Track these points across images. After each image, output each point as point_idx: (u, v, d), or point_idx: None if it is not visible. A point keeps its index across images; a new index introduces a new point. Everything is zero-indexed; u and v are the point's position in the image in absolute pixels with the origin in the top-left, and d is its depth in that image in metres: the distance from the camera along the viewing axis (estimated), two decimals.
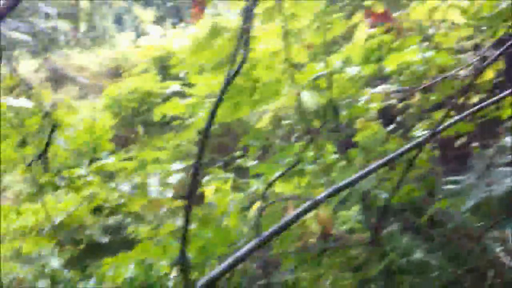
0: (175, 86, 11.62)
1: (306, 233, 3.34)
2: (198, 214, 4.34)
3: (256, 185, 4.94)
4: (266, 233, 2.69)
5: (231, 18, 4.17)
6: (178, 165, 5.75)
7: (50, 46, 6.26)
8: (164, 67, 13.58)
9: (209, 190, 6.08)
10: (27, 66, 8.35)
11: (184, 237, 2.69)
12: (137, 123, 12.14)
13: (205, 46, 3.89)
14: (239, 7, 3.88)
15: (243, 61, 2.61)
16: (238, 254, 2.83)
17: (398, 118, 4.67)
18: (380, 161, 2.83)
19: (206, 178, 7.86)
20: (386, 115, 4.63)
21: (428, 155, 3.89)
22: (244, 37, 2.80)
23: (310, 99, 2.53)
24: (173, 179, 5.04)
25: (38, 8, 6.28)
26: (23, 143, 6.71)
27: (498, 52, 4.08)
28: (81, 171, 7.79)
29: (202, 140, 2.75)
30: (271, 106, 2.68)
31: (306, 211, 2.84)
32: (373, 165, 2.81)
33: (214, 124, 6.28)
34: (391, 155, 2.92)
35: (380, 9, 3.64)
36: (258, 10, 3.91)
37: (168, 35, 14.90)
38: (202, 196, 7.02)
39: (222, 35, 3.81)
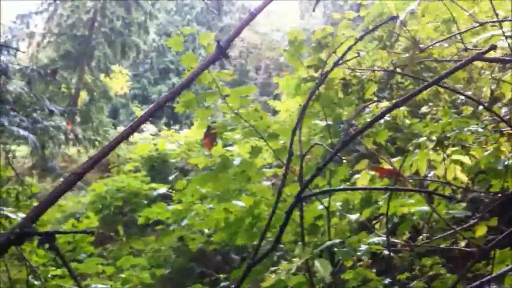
0: (162, 189, 11.59)
1: None
2: None
3: None
4: None
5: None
6: None
7: (49, 142, 6.32)
8: (153, 167, 13.62)
9: None
10: (22, 160, 8.37)
11: None
12: (119, 222, 11.92)
13: (213, 179, 3.92)
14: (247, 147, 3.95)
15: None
16: None
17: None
18: None
19: None
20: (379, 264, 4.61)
21: None
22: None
23: (322, 269, 2.49)
24: None
25: (43, 105, 6.40)
26: None
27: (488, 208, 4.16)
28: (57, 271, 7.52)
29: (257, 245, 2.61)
30: (283, 267, 2.64)
31: None
32: None
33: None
34: None
35: (386, 165, 3.73)
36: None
37: (162, 135, 15.09)
38: None
39: (230, 171, 3.86)
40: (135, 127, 2.90)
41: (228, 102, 3.52)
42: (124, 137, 2.92)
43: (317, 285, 3.08)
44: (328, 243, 2.92)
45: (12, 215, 3.34)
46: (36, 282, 7.79)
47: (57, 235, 3.13)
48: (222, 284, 6.93)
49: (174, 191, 8.20)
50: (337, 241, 3.44)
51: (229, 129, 3.89)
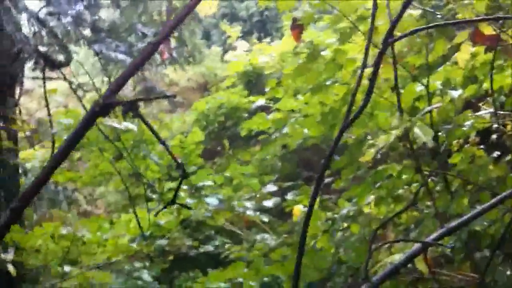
0: (260, 100, 11.74)
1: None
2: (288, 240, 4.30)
3: (347, 208, 4.84)
4: (376, 278, 2.50)
5: (329, 42, 4.17)
6: (271, 187, 5.74)
7: (145, 64, 6.54)
8: (249, 81, 13.76)
9: (297, 208, 6.03)
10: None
11: (299, 262, 2.57)
12: (223, 137, 12.35)
13: (303, 71, 3.88)
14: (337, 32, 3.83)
15: (372, 85, 2.48)
16: None
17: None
18: (495, 200, 2.62)
19: (291, 194, 7.85)
20: (487, 140, 4.39)
21: None
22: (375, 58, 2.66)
23: (423, 135, 2.41)
24: (269, 203, 5.03)
25: (136, 29, 6.60)
26: (118, 157, 7.00)
27: None
28: (170, 184, 8.03)
29: (324, 165, 2.64)
30: (380, 140, 2.59)
31: (415, 254, 2.68)
32: (487, 205, 2.61)
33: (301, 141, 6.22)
34: (508, 192, 2.67)
35: (488, 30, 3.46)
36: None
37: (254, 50, 15.06)
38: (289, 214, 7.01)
39: (319, 60, 3.79)
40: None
41: None
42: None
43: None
44: (427, 108, 2.82)
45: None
46: (153, 196, 8.38)
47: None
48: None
49: (271, 102, 8.26)
50: None
51: (315, 18, 3.78)
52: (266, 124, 7.11)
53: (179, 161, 3.74)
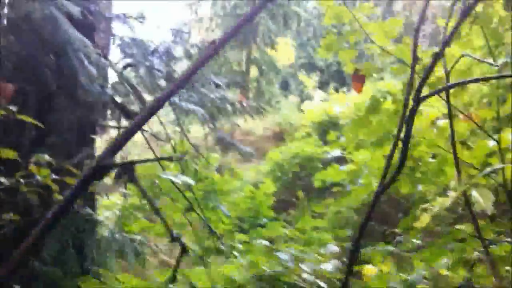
0: (336, 151, 11.53)
1: None
2: None
3: (421, 270, 4.47)
4: None
5: (393, 89, 3.94)
6: (333, 247, 5.41)
7: (217, 114, 6.57)
8: (325, 131, 13.62)
9: (368, 269, 5.64)
10: (196, 133, 8.95)
11: None
12: (298, 188, 12.15)
13: (364, 123, 3.68)
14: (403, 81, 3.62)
15: (406, 144, 2.31)
16: None
17: None
18: None
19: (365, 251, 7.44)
20: None
21: None
22: (407, 114, 2.52)
23: (482, 199, 2.14)
24: (327, 265, 4.71)
25: (208, 79, 6.67)
26: (189, 208, 6.97)
27: None
28: (242, 236, 7.89)
29: (362, 224, 2.47)
30: (435, 204, 2.34)
31: None
32: None
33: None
34: None
35: None
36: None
37: (331, 99, 14.97)
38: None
39: (381, 111, 3.58)
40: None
41: (373, 39, 3.23)
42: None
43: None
44: (495, 167, 2.51)
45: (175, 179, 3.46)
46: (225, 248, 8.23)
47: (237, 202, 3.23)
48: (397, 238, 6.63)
49: (347, 152, 8.02)
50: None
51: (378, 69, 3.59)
52: (340, 176, 6.89)
53: (174, 233, 3.64)
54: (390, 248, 6.52)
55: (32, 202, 3.41)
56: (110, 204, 9.35)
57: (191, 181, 3.55)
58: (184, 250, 3.22)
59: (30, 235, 2.60)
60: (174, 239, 3.14)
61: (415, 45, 2.53)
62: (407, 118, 2.20)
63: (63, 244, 4.84)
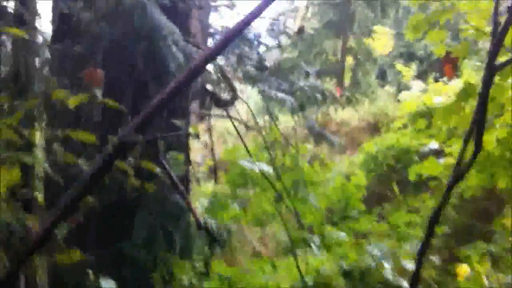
0: (433, 143, 10.99)
1: None
2: None
3: None
4: None
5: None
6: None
7: (306, 103, 6.45)
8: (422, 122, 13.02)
9: (462, 268, 5.29)
10: (285, 122, 8.87)
11: None
12: (392, 181, 11.72)
13: (455, 110, 3.37)
14: None
15: (480, 125, 2.02)
16: None
17: None
18: None
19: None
20: None
21: None
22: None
23: None
24: (409, 265, 4.43)
25: (299, 68, 6.56)
26: (279, 198, 6.89)
27: None
28: (331, 229, 7.69)
29: (431, 222, 2.24)
30: None
31: None
32: None
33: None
34: None
35: None
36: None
37: (430, 89, 14.29)
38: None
39: (471, 99, 3.25)
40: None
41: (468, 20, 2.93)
42: None
43: None
44: None
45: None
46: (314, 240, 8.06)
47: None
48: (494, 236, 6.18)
49: (446, 145, 7.60)
50: None
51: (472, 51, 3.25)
52: (437, 169, 6.53)
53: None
54: (487, 247, 6.08)
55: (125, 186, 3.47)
56: (204, 191, 9.53)
57: (267, 168, 3.43)
58: (215, 240, 3.11)
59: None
60: (202, 228, 3.03)
61: (496, 9, 2.17)
62: (481, 92, 1.88)
63: (152, 229, 4.94)
